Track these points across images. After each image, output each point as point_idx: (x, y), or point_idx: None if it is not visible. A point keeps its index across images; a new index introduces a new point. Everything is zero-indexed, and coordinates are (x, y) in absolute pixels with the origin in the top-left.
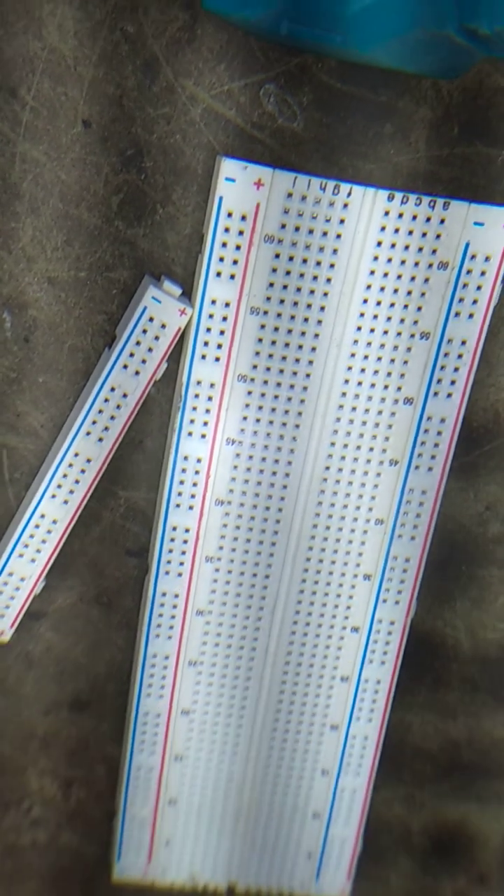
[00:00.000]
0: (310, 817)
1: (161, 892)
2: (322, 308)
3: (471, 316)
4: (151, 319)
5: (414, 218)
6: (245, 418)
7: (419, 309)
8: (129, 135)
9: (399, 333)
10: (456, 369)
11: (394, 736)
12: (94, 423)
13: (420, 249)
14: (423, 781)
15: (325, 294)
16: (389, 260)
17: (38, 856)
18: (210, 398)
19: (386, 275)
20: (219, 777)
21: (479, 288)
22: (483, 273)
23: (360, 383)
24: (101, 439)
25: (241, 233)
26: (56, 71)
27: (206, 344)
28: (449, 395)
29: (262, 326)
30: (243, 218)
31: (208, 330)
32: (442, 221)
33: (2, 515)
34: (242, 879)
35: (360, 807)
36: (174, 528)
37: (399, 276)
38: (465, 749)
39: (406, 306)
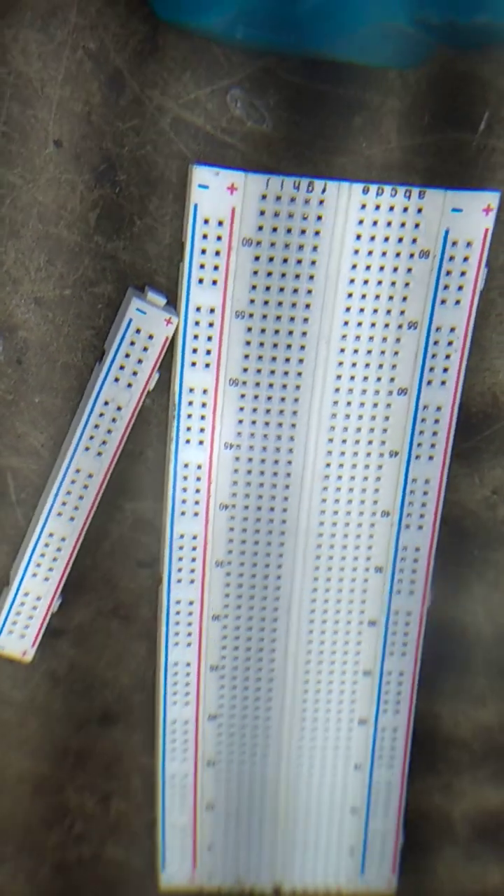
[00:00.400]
0: (348, 813)
1: None
2: (307, 306)
3: (457, 302)
4: (138, 331)
5: (391, 209)
6: (241, 422)
7: (404, 299)
8: (101, 150)
9: (387, 325)
10: (447, 356)
11: (424, 726)
12: (91, 438)
13: (400, 240)
14: (460, 769)
15: (309, 292)
16: (370, 253)
17: (86, 871)
18: (204, 404)
19: (368, 268)
20: (253, 779)
21: (462, 274)
22: (466, 259)
23: (352, 378)
24: (100, 453)
25: (219, 238)
26: (24, 94)
27: (194, 351)
28: (443, 383)
29: (249, 329)
30: (220, 223)
31: (196, 337)
32: (419, 210)
33: (13, 536)
34: (288, 879)
35: (397, 799)
36: (181, 536)
37: (381, 268)
38: (497, 734)
39: (391, 298)
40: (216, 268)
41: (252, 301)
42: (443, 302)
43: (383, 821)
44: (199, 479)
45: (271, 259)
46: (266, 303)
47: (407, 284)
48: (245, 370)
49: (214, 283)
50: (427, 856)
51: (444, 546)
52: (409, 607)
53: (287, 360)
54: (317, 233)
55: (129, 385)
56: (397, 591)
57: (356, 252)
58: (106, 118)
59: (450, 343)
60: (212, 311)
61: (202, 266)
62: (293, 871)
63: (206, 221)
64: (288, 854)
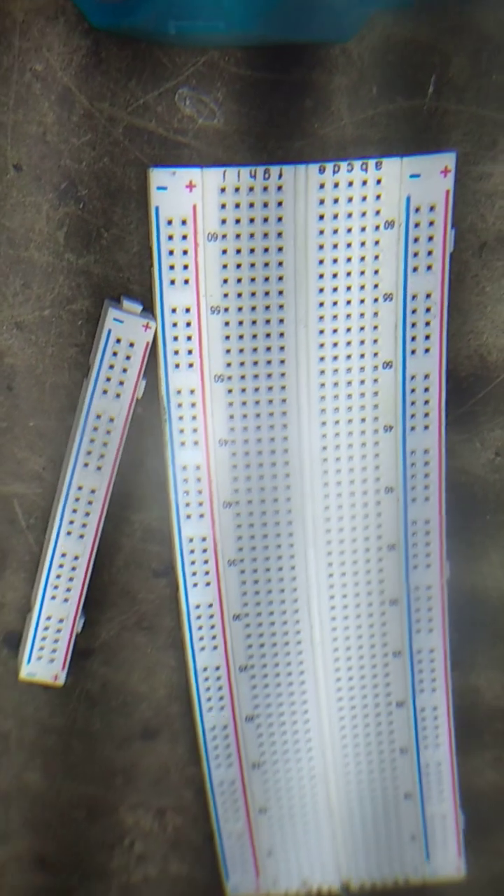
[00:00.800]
0: (402, 799)
1: None
2: (280, 292)
3: (429, 268)
4: (119, 340)
5: (350, 184)
6: (232, 417)
7: (376, 272)
8: (60, 168)
9: (362, 300)
10: (427, 324)
11: (464, 701)
12: (89, 453)
13: (363, 214)
14: None
15: (281, 278)
16: (335, 231)
17: (153, 891)
18: (193, 404)
19: (335, 246)
20: (300, 776)
21: (430, 239)
22: (431, 223)
23: (335, 358)
24: (99, 468)
25: (184, 237)
26: None
27: (176, 353)
28: (427, 351)
29: (227, 324)
30: (183, 222)
31: (175, 338)
32: (378, 181)
33: (28, 563)
34: (355, 875)
35: (449, 779)
36: (191, 540)
37: (349, 245)
38: None
39: (363, 272)
40: (186, 267)
41: (225, 295)
42: (415, 269)
43: (439, 803)
44: (199, 479)
45: (238, 251)
46: (239, 295)
47: (377, 257)
48: (228, 365)
49: (186, 282)
50: (492, 835)
51: (455, 515)
52: (428, 581)
53: (268, 349)
54: (280, 219)
55: (118, 395)
56: (414, 566)
57: (321, 232)
58: (61, 136)
59: (428, 310)
60: (187, 310)
61: (172, 267)
62: (358, 865)
63: (169, 222)
64: (349, 848)
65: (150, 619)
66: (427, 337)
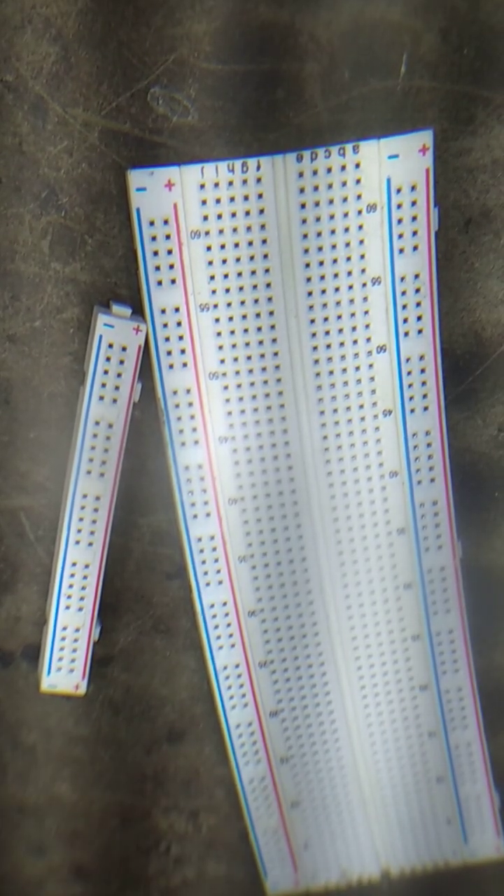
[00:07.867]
0: (434, 783)
1: None
2: (268, 285)
3: (415, 248)
4: (111, 346)
5: (329, 171)
6: (230, 413)
7: (362, 257)
8: (39, 178)
9: (350, 287)
10: (418, 304)
11: (490, 680)
12: (90, 461)
13: (344, 199)
14: None
15: (267, 270)
16: (318, 219)
17: (193, 893)
18: (190, 404)
19: (319, 234)
20: (329, 768)
21: (414, 219)
22: (414, 203)
23: (328, 346)
24: (102, 474)
25: (167, 237)
26: None
27: (169, 353)
28: (420, 332)
29: (217, 320)
30: (165, 222)
31: (167, 339)
32: (357, 165)
33: (40, 574)
34: (393, 863)
35: (480, 759)
36: (199, 539)
37: (333, 231)
38: None
39: (349, 258)
40: (171, 266)
41: (213, 292)
42: (401, 251)
43: (472, 784)
44: (202, 478)
45: (223, 246)
46: (227, 290)
47: (361, 241)
48: (222, 362)
49: (173, 281)
50: None
51: (463, 494)
52: (441, 563)
53: (261, 342)
54: (261, 211)
55: (115, 401)
56: (425, 548)
57: (304, 221)
58: (37, 145)
59: (417, 290)
60: (176, 310)
61: (157, 268)
62: (396, 852)
63: (151, 223)
64: (386, 836)
65: (167, 622)
66: (419, 318)
